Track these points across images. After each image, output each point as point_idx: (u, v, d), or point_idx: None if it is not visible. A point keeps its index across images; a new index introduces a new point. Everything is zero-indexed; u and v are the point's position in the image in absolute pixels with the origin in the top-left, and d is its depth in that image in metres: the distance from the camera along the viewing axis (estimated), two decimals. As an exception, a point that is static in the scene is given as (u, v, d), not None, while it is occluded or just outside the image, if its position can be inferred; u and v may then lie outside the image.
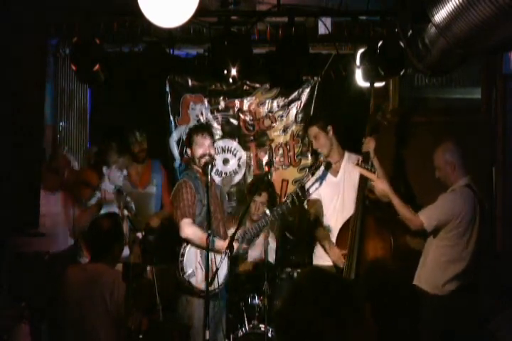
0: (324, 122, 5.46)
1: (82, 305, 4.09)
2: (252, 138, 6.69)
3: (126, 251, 4.98)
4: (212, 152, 5.12)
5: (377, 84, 5.48)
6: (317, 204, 5.54)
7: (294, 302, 1.84)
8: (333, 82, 6.35)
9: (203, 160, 5.03)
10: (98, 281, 4.12)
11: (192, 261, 4.95)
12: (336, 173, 5.51)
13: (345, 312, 1.80)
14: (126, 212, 4.96)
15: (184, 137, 6.55)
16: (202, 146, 5.07)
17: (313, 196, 5.49)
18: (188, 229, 4.97)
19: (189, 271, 4.90)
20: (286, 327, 1.82)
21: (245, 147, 6.69)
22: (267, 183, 5.97)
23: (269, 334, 5.03)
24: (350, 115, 6.16)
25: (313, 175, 5.45)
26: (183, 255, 4.94)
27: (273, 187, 6.14)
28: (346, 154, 5.54)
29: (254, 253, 5.73)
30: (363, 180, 5.23)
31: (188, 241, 4.97)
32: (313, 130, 5.47)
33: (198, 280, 4.90)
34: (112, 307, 4.07)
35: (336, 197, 5.46)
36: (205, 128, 5.29)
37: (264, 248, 5.17)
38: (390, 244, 5.13)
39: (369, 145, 5.22)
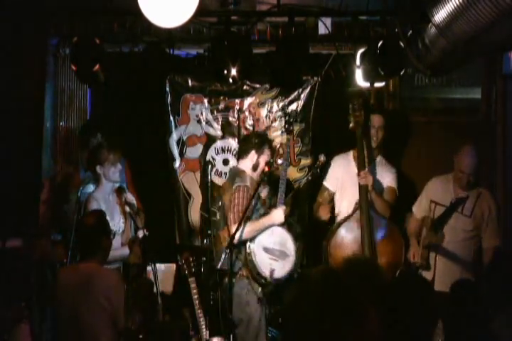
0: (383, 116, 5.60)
1: (79, 306, 4.04)
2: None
3: (126, 251, 4.97)
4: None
5: (377, 84, 5.49)
6: (325, 194, 5.61)
7: (295, 302, 1.84)
8: (333, 82, 6.34)
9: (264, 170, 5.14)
10: (93, 282, 4.07)
11: (265, 259, 4.95)
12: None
13: (346, 312, 1.80)
14: (128, 209, 4.94)
15: (185, 137, 6.55)
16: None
17: (332, 185, 5.58)
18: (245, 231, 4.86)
19: (266, 272, 4.90)
20: (288, 327, 1.82)
21: (245, 147, 6.66)
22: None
23: (269, 334, 5.02)
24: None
25: (313, 175, 5.45)
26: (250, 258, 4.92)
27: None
28: (379, 156, 5.61)
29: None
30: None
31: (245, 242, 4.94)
32: (379, 119, 5.56)
33: (279, 273, 4.93)
34: (110, 307, 4.04)
35: (354, 189, 5.42)
36: None
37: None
38: (401, 244, 5.24)
39: (366, 179, 5.23)
